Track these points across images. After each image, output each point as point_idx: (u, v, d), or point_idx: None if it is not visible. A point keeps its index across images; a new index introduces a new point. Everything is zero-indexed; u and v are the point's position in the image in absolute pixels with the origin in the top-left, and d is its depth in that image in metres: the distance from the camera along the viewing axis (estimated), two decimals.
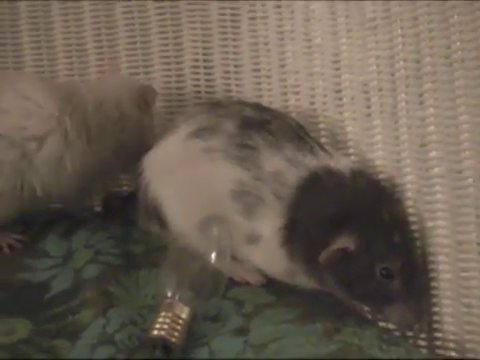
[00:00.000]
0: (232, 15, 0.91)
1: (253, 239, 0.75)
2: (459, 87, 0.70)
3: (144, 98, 0.88)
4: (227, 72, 0.93)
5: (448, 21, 0.70)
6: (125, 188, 0.96)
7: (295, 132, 0.78)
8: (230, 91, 0.92)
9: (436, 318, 0.74)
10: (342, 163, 0.76)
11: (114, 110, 0.86)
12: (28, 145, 0.82)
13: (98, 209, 0.94)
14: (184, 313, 0.70)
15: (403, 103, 0.76)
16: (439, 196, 0.73)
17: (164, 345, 0.69)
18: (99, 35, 0.96)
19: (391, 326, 0.75)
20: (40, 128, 0.82)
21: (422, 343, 0.75)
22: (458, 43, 0.70)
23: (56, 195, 0.84)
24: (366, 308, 0.76)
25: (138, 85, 0.90)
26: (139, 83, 0.91)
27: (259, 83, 0.90)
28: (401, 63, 0.75)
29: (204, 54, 0.93)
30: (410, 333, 0.75)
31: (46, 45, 0.97)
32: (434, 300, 0.74)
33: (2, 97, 0.83)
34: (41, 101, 0.83)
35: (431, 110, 0.73)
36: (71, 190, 0.85)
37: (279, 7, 0.88)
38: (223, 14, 0.92)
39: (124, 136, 0.86)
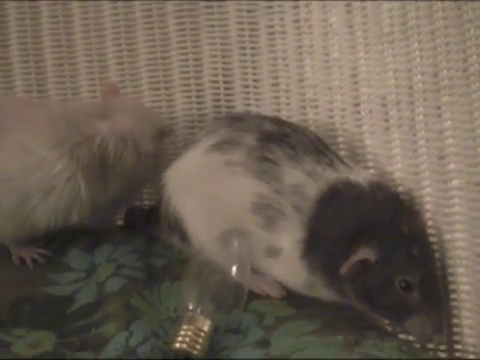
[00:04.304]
0: (250, 30, 0.92)
1: (273, 252, 0.76)
2: (476, 100, 0.70)
3: (162, 136, 0.86)
4: (246, 86, 0.94)
5: (465, 35, 0.71)
6: (147, 202, 0.97)
7: (314, 145, 0.79)
8: (249, 105, 0.93)
9: (456, 330, 0.75)
10: (361, 176, 0.76)
11: (134, 155, 0.84)
12: (31, 195, 0.80)
13: (120, 223, 0.95)
14: (206, 326, 0.71)
15: (421, 116, 0.76)
16: (457, 208, 0.73)
17: (186, 358, 0.70)
18: (120, 51, 0.97)
19: (411, 338, 0.75)
20: (46, 183, 0.80)
21: (442, 355, 0.76)
22: (475, 56, 0.70)
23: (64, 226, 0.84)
24: (386, 320, 0.76)
25: (157, 124, 0.87)
26: (157, 120, 0.89)
27: (278, 97, 0.91)
28: (419, 76, 0.76)
29: (223, 69, 0.94)
30: (430, 345, 0.76)
31: (68, 62, 0.98)
32: (454, 312, 0.74)
33: (4, 148, 0.81)
34: (49, 157, 0.80)
35: (449, 123, 0.74)
36: (83, 221, 0.84)
37: (297, 21, 0.89)
38: (242, 29, 0.93)
39: (141, 174, 0.85)
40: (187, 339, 0.70)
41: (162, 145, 0.87)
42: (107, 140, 0.82)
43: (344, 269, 0.71)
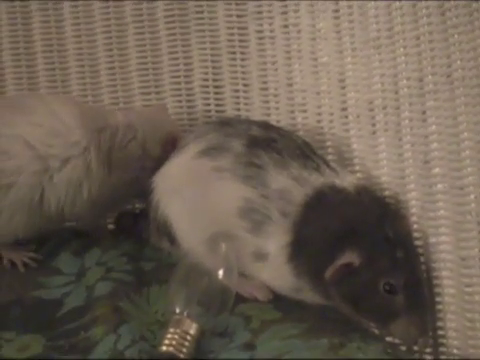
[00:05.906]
0: (240, 35, 0.93)
1: (260, 256, 0.77)
2: (460, 105, 0.71)
3: (171, 143, 0.88)
4: (236, 91, 0.94)
5: (449, 40, 0.72)
6: (137, 206, 0.98)
7: (301, 150, 0.79)
8: (239, 110, 0.94)
9: (440, 333, 0.75)
10: (347, 180, 0.77)
11: (138, 149, 0.88)
12: (51, 162, 0.84)
13: (111, 227, 0.95)
14: (192, 329, 0.72)
15: (407, 121, 0.77)
16: (442, 212, 0.74)
17: None
18: (111, 56, 0.98)
19: (397, 341, 0.76)
20: (65, 150, 0.84)
21: (427, 357, 0.76)
22: (458, 62, 0.71)
23: (69, 214, 0.86)
24: (371, 323, 0.77)
25: (170, 133, 0.90)
26: (172, 129, 0.91)
27: (267, 102, 0.92)
28: (404, 81, 0.77)
29: (213, 74, 0.95)
30: (415, 348, 0.76)
31: (59, 66, 0.99)
32: (438, 315, 0.75)
33: (37, 112, 0.85)
34: (71, 125, 0.85)
35: (434, 127, 0.74)
36: (84, 212, 0.87)
37: (286, 26, 0.90)
38: (232, 34, 0.94)
39: (142, 173, 0.87)
40: (174, 342, 0.71)
41: (167, 153, 0.88)
42: (117, 131, 0.87)
43: (328, 273, 0.71)
